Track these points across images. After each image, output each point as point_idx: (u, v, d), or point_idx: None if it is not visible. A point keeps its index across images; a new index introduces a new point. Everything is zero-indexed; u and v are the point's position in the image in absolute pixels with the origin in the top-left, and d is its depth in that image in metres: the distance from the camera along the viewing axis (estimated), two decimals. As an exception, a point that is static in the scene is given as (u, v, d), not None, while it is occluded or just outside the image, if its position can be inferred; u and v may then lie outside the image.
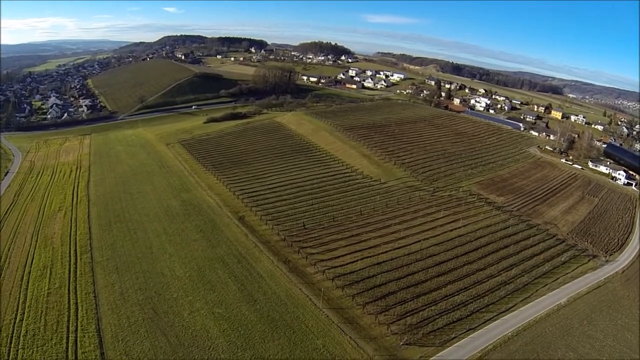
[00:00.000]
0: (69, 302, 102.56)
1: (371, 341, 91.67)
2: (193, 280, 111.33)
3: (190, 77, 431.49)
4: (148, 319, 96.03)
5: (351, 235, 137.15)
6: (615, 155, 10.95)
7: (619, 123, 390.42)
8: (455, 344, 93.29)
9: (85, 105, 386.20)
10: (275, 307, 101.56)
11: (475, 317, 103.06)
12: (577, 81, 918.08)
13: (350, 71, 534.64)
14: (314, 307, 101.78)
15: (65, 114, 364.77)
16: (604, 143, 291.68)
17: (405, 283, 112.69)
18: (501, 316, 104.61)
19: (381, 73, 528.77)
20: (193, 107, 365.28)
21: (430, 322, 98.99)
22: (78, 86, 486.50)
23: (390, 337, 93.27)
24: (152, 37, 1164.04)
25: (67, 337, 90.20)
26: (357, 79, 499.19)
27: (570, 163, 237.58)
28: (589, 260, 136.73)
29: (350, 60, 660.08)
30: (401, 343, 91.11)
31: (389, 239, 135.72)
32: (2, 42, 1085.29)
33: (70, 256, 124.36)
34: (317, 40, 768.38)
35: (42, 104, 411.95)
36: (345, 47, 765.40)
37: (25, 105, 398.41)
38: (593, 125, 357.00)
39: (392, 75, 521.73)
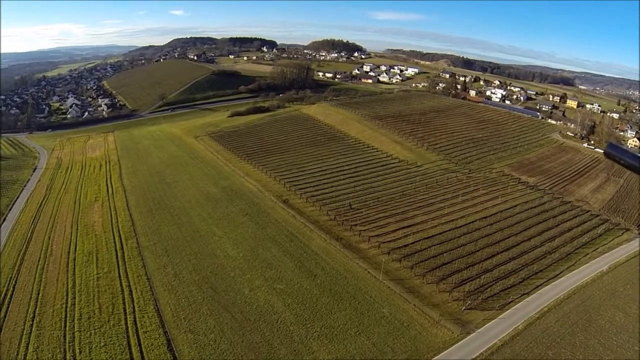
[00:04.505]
0: (121, 285, 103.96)
1: (434, 307, 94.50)
2: (248, 259, 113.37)
3: (208, 74, 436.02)
4: (208, 297, 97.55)
5: (397, 213, 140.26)
6: (615, 155, 10.76)
7: (634, 111, 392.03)
8: (513, 307, 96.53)
9: (105, 104, 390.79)
10: (336, 281, 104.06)
11: (527, 283, 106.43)
12: (587, 73, 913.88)
13: (365, 67, 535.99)
14: (374, 279, 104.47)
15: (86, 113, 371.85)
16: (621, 130, 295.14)
17: (457, 254, 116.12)
18: (551, 282, 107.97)
19: (396, 68, 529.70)
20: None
21: (487, 289, 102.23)
22: (94, 87, 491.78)
23: (452, 303, 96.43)
24: (160, 40, 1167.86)
25: (126, 318, 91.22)
26: (372, 73, 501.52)
27: (593, 147, 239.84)
28: (622, 233, 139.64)
29: (363, 57, 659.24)
30: (463, 308, 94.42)
31: (434, 215, 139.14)
32: (12, 50, 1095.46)
33: (115, 242, 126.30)
34: (329, 38, 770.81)
35: (60, 105, 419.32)
36: (357, 44, 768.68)
37: (44, 107, 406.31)
38: (609, 114, 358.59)
39: (406, 70, 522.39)
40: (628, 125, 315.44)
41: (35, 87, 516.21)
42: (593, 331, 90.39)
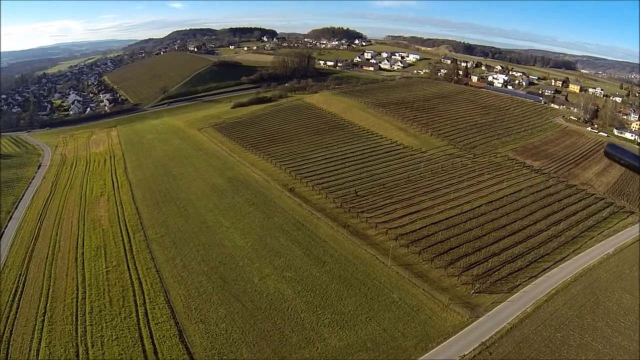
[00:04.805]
0: (130, 278, 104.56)
1: (443, 291, 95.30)
2: (256, 248, 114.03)
3: (209, 66, 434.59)
4: (218, 287, 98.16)
5: (403, 199, 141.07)
6: (615, 155, 10.80)
7: (637, 95, 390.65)
8: (521, 290, 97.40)
9: (107, 100, 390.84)
10: (345, 268, 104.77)
11: (534, 266, 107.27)
12: (589, 57, 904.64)
13: (366, 54, 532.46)
14: (383, 265, 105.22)
15: (88, 109, 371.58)
16: (624, 114, 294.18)
17: (464, 239, 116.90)
18: (557, 265, 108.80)
19: (397, 54, 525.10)
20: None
21: (495, 272, 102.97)
22: (95, 83, 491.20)
23: (461, 287, 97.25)
24: (160, 33, 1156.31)
25: (137, 311, 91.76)
26: (373, 61, 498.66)
27: (596, 131, 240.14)
28: (628, 216, 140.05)
29: (364, 44, 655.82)
30: (472, 292, 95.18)
31: (440, 201, 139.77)
32: (11, 49, 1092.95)
33: (122, 236, 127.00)
34: (329, 26, 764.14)
35: (62, 102, 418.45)
36: (358, 31, 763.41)
37: (45, 104, 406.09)
38: (612, 97, 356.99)
39: (407, 56, 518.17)
40: (631, 109, 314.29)
41: (36, 85, 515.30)
42: (601, 313, 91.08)
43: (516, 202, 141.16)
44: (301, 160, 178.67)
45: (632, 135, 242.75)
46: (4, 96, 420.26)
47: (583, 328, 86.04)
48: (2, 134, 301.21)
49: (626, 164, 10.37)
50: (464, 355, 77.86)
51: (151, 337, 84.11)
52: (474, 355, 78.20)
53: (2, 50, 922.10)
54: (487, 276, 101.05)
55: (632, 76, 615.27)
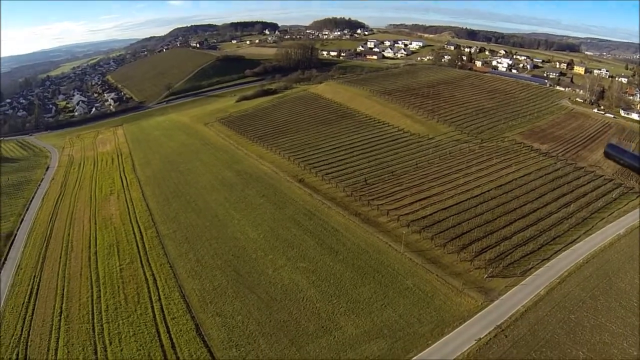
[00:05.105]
0: (144, 274, 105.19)
1: (457, 276, 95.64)
2: (269, 240, 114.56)
3: (212, 61, 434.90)
4: (232, 280, 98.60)
5: (413, 186, 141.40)
6: (615, 155, 10.80)
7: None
8: (534, 273, 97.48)
9: (112, 99, 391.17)
10: (358, 256, 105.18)
11: (546, 248, 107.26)
12: (593, 38, 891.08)
13: (368, 43, 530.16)
14: (396, 252, 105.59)
15: (93, 109, 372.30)
16: (630, 94, 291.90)
17: (475, 223, 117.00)
18: (569, 247, 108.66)
19: (400, 42, 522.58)
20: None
21: (507, 256, 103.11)
22: (99, 83, 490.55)
23: (474, 272, 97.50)
24: (161, 31, 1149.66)
25: (152, 307, 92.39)
26: (376, 49, 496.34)
27: (603, 113, 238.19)
28: (637, 197, 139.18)
29: (366, 33, 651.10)
30: (486, 276, 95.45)
31: (450, 186, 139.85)
32: (13, 53, 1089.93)
33: (134, 233, 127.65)
34: (331, 17, 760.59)
35: (67, 103, 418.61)
36: (360, 21, 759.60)
37: (50, 106, 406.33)
38: (617, 78, 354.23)
39: (410, 44, 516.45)
40: (637, 90, 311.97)
41: (40, 88, 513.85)
42: (614, 294, 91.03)
43: (525, 186, 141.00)
44: (309, 151, 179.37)
45: (638, 116, 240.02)
46: (8, 100, 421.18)
47: (597, 309, 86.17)
48: (8, 138, 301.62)
49: (626, 164, 10.38)
50: (480, 339, 78.38)
51: (168, 332, 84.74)
52: (490, 339, 78.61)
53: (4, 55, 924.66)
54: (500, 260, 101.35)
55: (637, 56, 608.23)
